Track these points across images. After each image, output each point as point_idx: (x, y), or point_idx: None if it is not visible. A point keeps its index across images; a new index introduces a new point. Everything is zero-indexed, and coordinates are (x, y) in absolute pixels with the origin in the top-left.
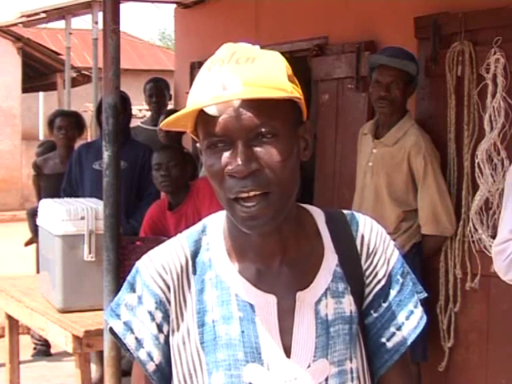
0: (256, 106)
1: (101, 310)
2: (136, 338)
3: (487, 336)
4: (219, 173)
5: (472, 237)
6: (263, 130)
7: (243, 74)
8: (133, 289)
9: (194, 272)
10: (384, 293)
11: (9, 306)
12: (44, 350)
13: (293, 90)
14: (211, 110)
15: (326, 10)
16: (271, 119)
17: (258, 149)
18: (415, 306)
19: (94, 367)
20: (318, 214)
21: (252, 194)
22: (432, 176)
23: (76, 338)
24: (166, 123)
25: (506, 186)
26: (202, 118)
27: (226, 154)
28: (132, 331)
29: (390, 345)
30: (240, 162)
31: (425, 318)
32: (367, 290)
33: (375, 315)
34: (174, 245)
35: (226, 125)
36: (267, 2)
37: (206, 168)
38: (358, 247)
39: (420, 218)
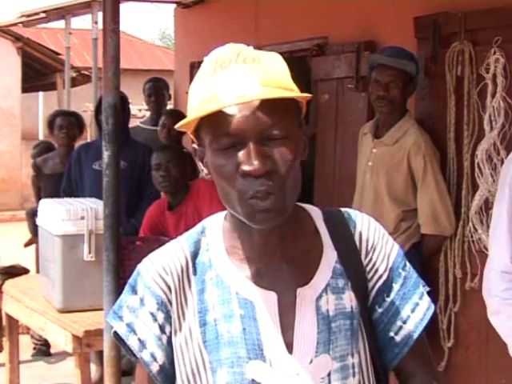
0: (271, 106)
1: (100, 309)
2: (139, 339)
3: (487, 336)
4: (231, 173)
5: (472, 237)
6: (274, 131)
7: (258, 74)
8: (134, 291)
9: (195, 272)
10: (387, 288)
11: (8, 305)
12: (44, 349)
13: (297, 90)
14: (231, 110)
15: (325, 10)
16: (283, 120)
17: (270, 149)
18: (420, 298)
19: (93, 367)
20: (316, 213)
21: (267, 194)
22: (431, 176)
23: (76, 337)
24: (182, 124)
25: (499, 187)
26: (210, 119)
27: (239, 154)
28: (135, 332)
29: (398, 338)
30: (256, 162)
31: (432, 308)
32: (370, 286)
33: (380, 310)
34: (174, 246)
35: (241, 125)
36: (267, 2)
37: (214, 169)
38: (357, 244)
39: (419, 217)
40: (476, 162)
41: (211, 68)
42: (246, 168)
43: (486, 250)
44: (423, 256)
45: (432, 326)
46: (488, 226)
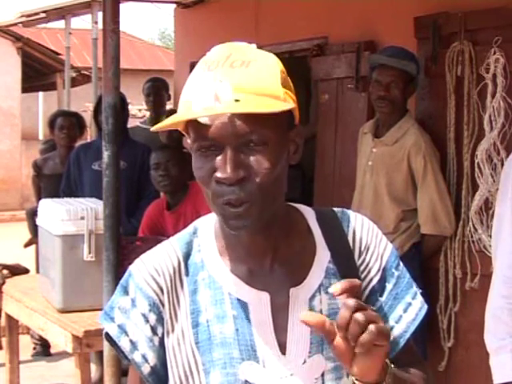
0: (249, 113)
1: (100, 310)
2: (130, 341)
3: None
4: (207, 176)
5: (472, 237)
6: (253, 137)
7: (235, 80)
8: (126, 292)
9: (187, 273)
10: (380, 287)
11: (8, 305)
12: (43, 349)
13: (286, 97)
14: (203, 120)
15: (325, 9)
16: (262, 127)
17: (246, 156)
18: (413, 298)
19: (93, 367)
20: (309, 213)
21: (239, 202)
22: (431, 175)
23: (76, 337)
24: (157, 127)
25: (500, 187)
26: (193, 121)
27: (215, 159)
28: (126, 334)
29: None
30: (229, 170)
31: (425, 308)
32: (363, 286)
33: None
34: (166, 247)
35: (217, 131)
36: (267, 2)
37: (194, 169)
38: (351, 243)
39: (419, 217)
40: (476, 162)
41: (201, 68)
42: (219, 175)
43: (486, 250)
44: (423, 256)
45: (432, 326)
46: (488, 226)
